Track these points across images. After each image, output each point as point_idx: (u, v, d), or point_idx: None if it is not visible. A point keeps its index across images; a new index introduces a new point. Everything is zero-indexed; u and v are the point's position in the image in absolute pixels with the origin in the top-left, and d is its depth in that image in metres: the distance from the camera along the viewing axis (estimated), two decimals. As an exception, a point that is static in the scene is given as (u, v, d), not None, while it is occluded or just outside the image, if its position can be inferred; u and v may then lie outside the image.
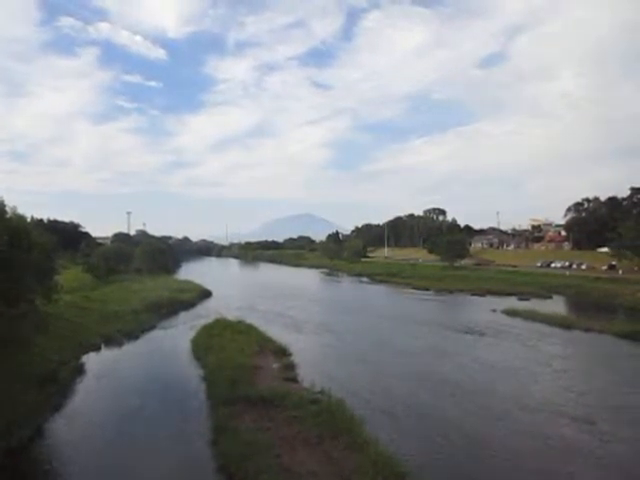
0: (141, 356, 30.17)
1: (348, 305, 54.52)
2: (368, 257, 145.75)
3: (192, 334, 33.56)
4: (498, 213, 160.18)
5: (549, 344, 32.95)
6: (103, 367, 26.54)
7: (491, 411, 19.53)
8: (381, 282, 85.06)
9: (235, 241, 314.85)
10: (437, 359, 28.68)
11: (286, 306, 51.74)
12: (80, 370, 25.42)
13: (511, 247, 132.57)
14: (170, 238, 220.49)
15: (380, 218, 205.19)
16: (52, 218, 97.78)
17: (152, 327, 38.24)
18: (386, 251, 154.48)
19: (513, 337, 35.03)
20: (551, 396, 21.61)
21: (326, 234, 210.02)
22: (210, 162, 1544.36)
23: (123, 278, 69.02)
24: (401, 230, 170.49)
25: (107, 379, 24.52)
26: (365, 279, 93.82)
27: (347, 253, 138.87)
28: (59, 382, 22.35)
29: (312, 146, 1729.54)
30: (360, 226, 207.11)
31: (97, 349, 30.56)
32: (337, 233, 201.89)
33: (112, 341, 32.58)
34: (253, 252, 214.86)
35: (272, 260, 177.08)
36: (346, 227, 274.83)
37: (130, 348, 32.12)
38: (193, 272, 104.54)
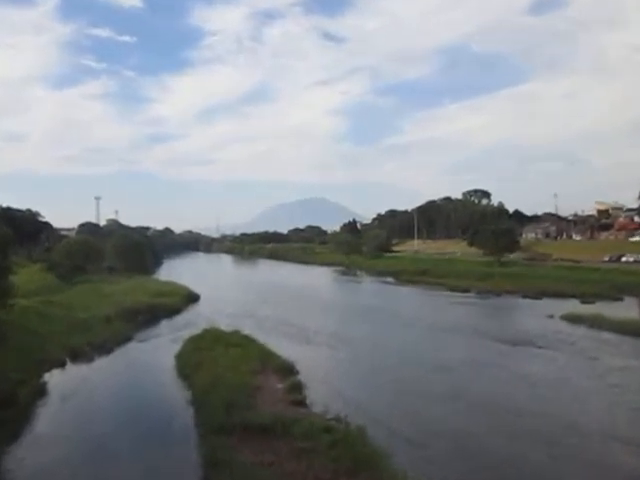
0: (115, 374, 30.57)
1: (368, 311, 54.60)
2: (393, 251, 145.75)
3: (176, 347, 33.88)
4: (556, 195, 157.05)
5: (616, 356, 32.89)
6: (69, 387, 26.90)
7: (539, 436, 19.62)
8: (409, 282, 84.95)
9: (228, 232, 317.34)
10: (476, 376, 28.72)
11: (291, 313, 52.02)
12: (42, 391, 25.76)
13: (573, 237, 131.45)
14: (148, 229, 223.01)
15: (408, 203, 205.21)
16: (5, 205, 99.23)
17: (128, 338, 38.74)
18: (416, 244, 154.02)
19: (573, 348, 34.99)
20: (612, 418, 21.71)
21: (341, 223, 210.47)
22: (196, 135, 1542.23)
23: (92, 278, 69.89)
24: (434, 218, 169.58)
25: (74, 402, 24.89)
26: (390, 279, 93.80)
27: (367, 247, 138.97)
28: (17, 405, 22.75)
29: (322, 114, 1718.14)
30: (383, 213, 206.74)
31: (62, 365, 30.96)
32: (354, 222, 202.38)
33: (80, 355, 33.01)
34: (250, 246, 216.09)
35: (274, 256, 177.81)
36: (365, 214, 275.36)
37: (102, 364, 32.56)
38: (177, 271, 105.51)
